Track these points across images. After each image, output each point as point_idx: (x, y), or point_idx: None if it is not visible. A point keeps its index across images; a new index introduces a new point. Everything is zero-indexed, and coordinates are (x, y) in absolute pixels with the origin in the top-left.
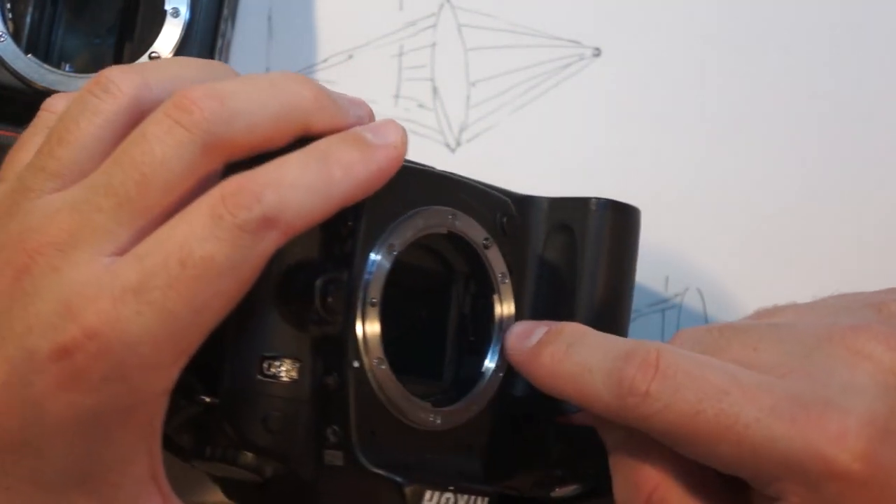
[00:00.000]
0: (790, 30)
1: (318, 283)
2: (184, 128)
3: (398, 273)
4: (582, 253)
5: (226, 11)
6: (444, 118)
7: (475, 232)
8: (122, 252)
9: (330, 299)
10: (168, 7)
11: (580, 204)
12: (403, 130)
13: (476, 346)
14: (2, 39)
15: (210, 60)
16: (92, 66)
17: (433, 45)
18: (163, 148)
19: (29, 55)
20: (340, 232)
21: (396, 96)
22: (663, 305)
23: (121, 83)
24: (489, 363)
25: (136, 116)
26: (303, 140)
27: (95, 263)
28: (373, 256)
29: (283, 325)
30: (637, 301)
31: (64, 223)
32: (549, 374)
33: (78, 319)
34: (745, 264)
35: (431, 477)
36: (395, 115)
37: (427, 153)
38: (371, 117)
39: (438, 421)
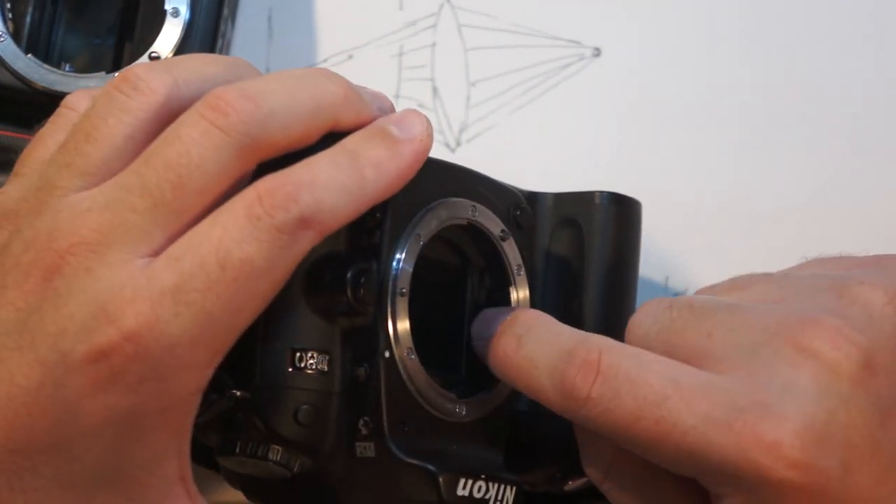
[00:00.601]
0: (791, 29)
1: (349, 274)
2: (220, 130)
3: (423, 265)
4: (589, 246)
5: (226, 11)
6: (444, 118)
7: (493, 224)
8: (156, 253)
9: (361, 290)
10: (168, 7)
11: (585, 198)
12: (427, 120)
13: None
14: (2, 39)
15: (234, 58)
16: (92, 66)
17: (433, 45)
18: (199, 150)
19: (29, 55)
20: (367, 224)
21: (396, 96)
22: None
23: (150, 81)
24: None
25: (167, 116)
26: (331, 135)
27: (130, 265)
28: (400, 247)
29: (312, 317)
30: (637, 301)
31: (95, 223)
32: (502, 366)
33: (115, 322)
34: (745, 264)
35: (462, 466)
36: None
37: None
38: (392, 110)
39: (463, 412)
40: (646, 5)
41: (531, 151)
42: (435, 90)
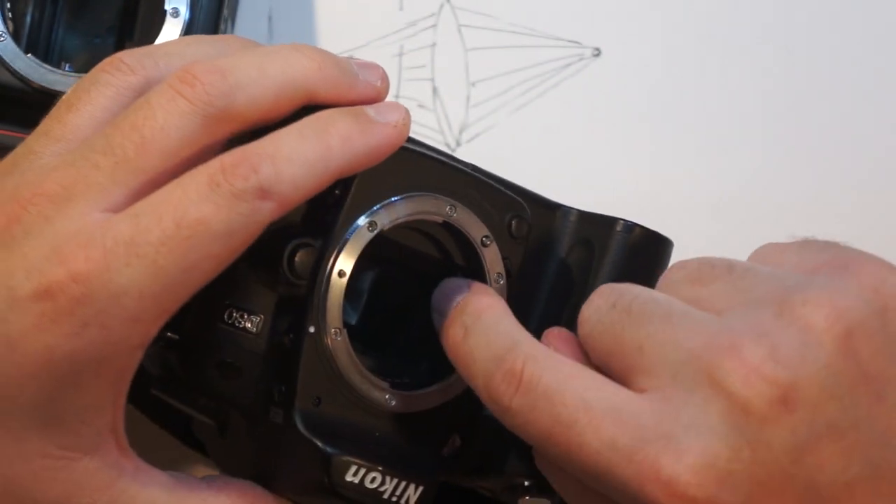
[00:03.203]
0: (791, 29)
1: (290, 245)
2: (186, 99)
3: (393, 253)
4: (596, 270)
5: (226, 11)
6: (444, 118)
7: (475, 228)
8: (116, 210)
9: (296, 264)
10: (168, 7)
11: (607, 222)
12: (406, 112)
13: None
14: (2, 39)
15: (224, 35)
16: (92, 65)
17: (433, 45)
18: (164, 115)
19: (29, 55)
20: (326, 200)
21: (396, 96)
22: None
23: (131, 62)
24: None
25: (145, 92)
26: (308, 108)
27: (88, 217)
28: (352, 229)
29: (252, 279)
30: None
31: (59, 177)
32: (450, 353)
33: (65, 263)
34: None
35: (364, 454)
36: None
37: None
38: (384, 79)
39: (393, 402)
40: (646, 5)
41: (531, 151)
42: (435, 90)
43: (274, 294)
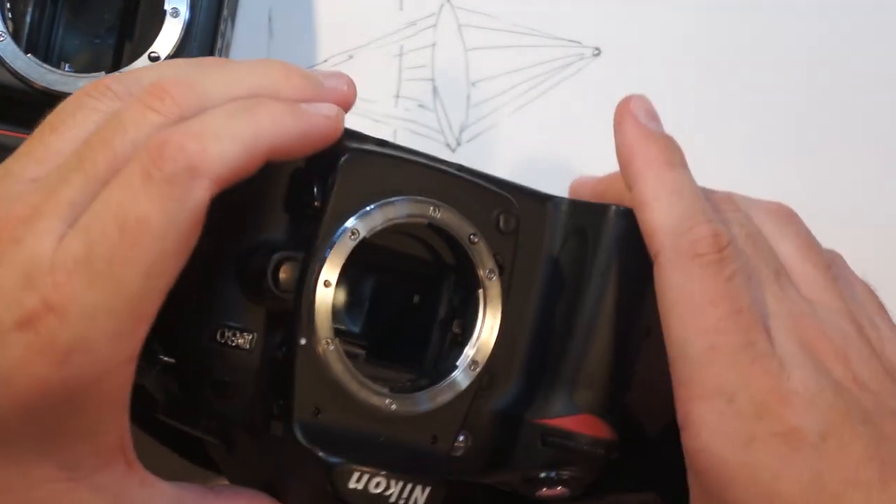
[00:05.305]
0: (791, 29)
1: (274, 259)
2: (156, 111)
3: (385, 259)
4: (591, 259)
5: (226, 11)
6: (444, 118)
7: (460, 226)
8: None
9: (280, 277)
10: (168, 7)
11: (599, 209)
12: (339, 109)
13: (459, 339)
14: (2, 39)
15: (204, 58)
16: (92, 65)
17: (433, 45)
18: (135, 127)
19: (29, 55)
20: (307, 212)
21: (397, 96)
22: None
23: (118, 89)
24: (466, 357)
25: None
26: None
27: (55, 234)
28: (334, 239)
29: (241, 297)
30: None
31: (30, 199)
32: (631, 158)
33: (38, 290)
34: None
35: (367, 459)
36: (395, 115)
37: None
38: (350, 85)
39: (394, 406)
40: (646, 5)
41: (531, 151)
42: (435, 90)
43: (263, 310)
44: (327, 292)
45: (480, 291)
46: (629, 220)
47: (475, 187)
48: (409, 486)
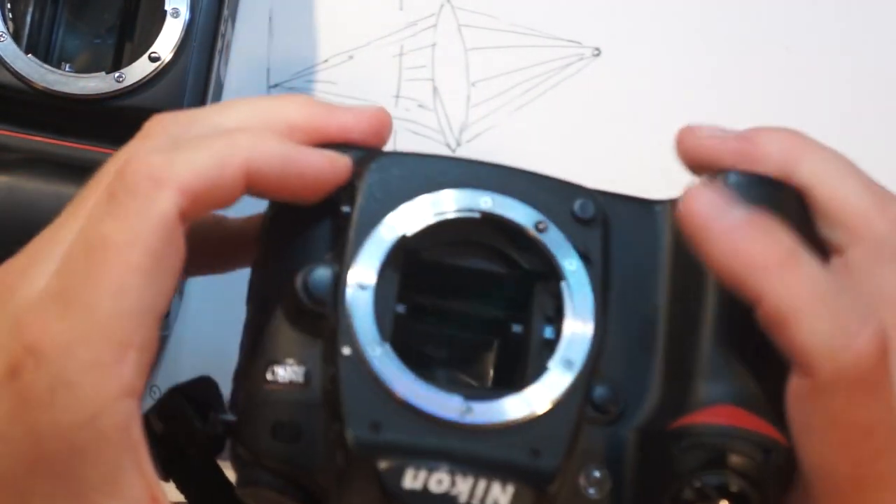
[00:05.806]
0: (791, 29)
1: (302, 272)
2: (145, 139)
3: (440, 261)
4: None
5: (226, 11)
6: (444, 118)
7: (523, 215)
8: None
9: (311, 284)
10: (168, 7)
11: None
12: (347, 159)
13: (550, 342)
14: (2, 39)
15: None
16: (92, 65)
17: (433, 45)
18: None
19: (29, 55)
20: (339, 223)
21: (397, 96)
22: None
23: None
24: (552, 360)
25: None
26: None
27: (45, 278)
28: (366, 239)
29: (289, 329)
30: None
31: (30, 248)
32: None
33: (21, 336)
34: None
35: (426, 460)
36: (396, 114)
37: None
38: (379, 110)
39: (472, 416)
40: (646, 5)
41: (531, 151)
42: (435, 90)
43: (311, 336)
44: (364, 295)
45: (564, 283)
46: None
47: (535, 178)
48: (482, 484)
